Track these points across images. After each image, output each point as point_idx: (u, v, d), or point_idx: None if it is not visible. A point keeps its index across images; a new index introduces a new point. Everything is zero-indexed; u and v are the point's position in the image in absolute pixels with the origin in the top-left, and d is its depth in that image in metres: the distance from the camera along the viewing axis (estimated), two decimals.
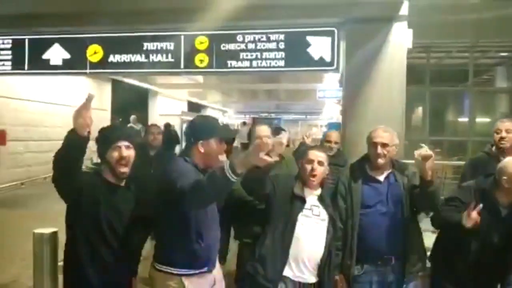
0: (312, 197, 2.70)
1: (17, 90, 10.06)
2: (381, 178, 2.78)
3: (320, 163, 2.67)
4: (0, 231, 6.16)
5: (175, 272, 2.34)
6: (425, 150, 2.52)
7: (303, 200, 2.67)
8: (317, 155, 2.68)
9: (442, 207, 2.81)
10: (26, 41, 6.01)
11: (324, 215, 2.68)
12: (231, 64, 5.71)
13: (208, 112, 25.47)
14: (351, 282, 2.75)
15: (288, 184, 2.71)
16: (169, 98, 19.09)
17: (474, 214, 2.53)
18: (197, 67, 5.78)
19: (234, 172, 1.93)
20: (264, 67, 5.68)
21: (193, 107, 21.98)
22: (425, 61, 9.74)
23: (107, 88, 14.47)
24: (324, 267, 2.65)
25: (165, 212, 2.30)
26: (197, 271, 2.37)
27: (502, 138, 3.37)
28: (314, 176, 2.65)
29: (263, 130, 3.19)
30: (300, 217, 2.64)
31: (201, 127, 2.44)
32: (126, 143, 2.29)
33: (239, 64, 5.70)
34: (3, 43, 6.05)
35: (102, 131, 2.36)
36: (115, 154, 2.26)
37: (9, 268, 4.98)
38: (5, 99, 9.60)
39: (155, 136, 5.02)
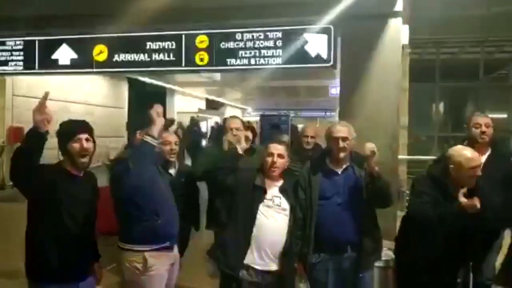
0: (273, 188, 2.86)
1: (35, 89, 10.50)
2: (339, 170, 2.91)
3: (280, 155, 2.84)
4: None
5: (137, 249, 2.56)
6: (372, 146, 2.66)
7: (264, 191, 2.83)
8: (277, 148, 2.85)
9: (417, 206, 2.87)
10: (36, 42, 6.36)
11: (285, 205, 2.84)
12: (230, 62, 5.91)
13: (227, 110, 25.78)
14: (309, 270, 2.90)
15: (251, 176, 2.87)
16: (187, 96, 19.41)
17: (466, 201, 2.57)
18: (198, 65, 6.00)
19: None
20: (262, 64, 5.86)
21: (212, 105, 22.25)
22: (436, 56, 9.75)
23: (124, 86, 14.88)
24: (285, 255, 2.81)
25: (120, 193, 2.53)
26: (158, 247, 2.57)
27: (483, 133, 3.42)
28: (274, 168, 2.82)
29: (234, 122, 3.38)
30: (262, 207, 2.81)
31: None
32: (86, 136, 2.48)
33: (238, 62, 5.89)
34: (15, 45, 6.42)
35: (63, 125, 2.55)
36: (76, 146, 2.44)
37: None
38: (24, 98, 10.04)
39: None
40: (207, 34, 5.95)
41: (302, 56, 5.71)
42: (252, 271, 2.82)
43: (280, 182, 2.89)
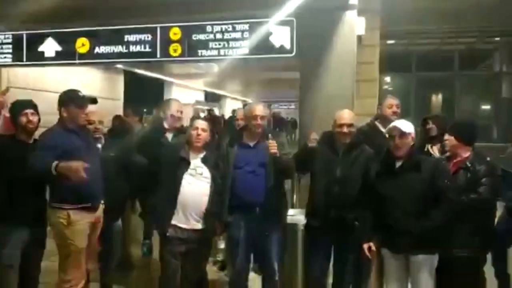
0: (196, 159, 3.44)
1: (30, 81, 11.13)
2: (252, 144, 3.48)
3: (203, 130, 3.42)
4: None
5: (62, 207, 3.14)
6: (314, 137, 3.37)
7: (188, 162, 3.41)
8: (201, 124, 3.43)
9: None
10: (24, 36, 6.97)
11: (207, 173, 3.42)
12: (201, 53, 6.45)
13: (227, 102, 26.33)
14: (226, 228, 3.49)
15: (177, 150, 3.45)
16: (185, 88, 19.98)
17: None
18: (172, 56, 6.55)
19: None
20: (230, 55, 6.39)
21: (211, 97, 22.82)
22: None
23: (120, 79, 15.49)
24: (206, 216, 3.39)
25: None
26: (80, 206, 3.16)
27: (394, 113, 3.96)
28: (198, 140, 3.40)
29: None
30: (186, 175, 3.39)
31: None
32: (32, 111, 3.11)
33: (208, 52, 6.43)
34: (4, 38, 7.04)
35: (14, 103, 3.32)
36: (24, 118, 3.13)
37: None
38: (19, 89, 10.66)
39: None
40: (180, 27, 6.50)
41: (267, 46, 6.22)
42: (179, 230, 3.40)
43: (202, 154, 3.46)
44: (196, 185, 3.39)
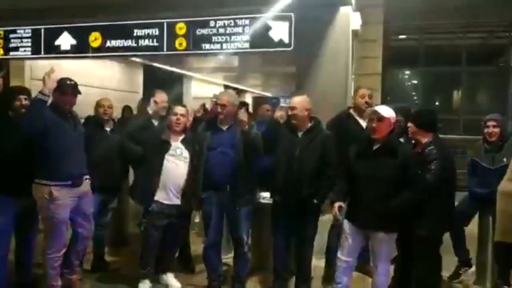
0: (176, 141, 3.85)
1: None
2: (224, 128, 3.87)
3: (182, 115, 3.83)
4: None
5: (46, 183, 3.57)
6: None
7: (169, 144, 3.82)
8: (180, 109, 3.84)
9: None
10: (42, 30, 7.53)
11: (186, 154, 3.85)
12: (205, 46, 6.86)
13: (247, 96, 26.71)
14: (200, 204, 3.90)
15: (159, 134, 3.87)
16: (204, 83, 20.44)
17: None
18: (177, 50, 6.99)
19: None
20: (232, 48, 6.78)
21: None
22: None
23: (139, 72, 16.09)
24: (185, 193, 3.80)
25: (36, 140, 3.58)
26: (61, 183, 3.58)
27: (366, 103, 4.31)
28: (177, 125, 3.81)
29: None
30: (167, 156, 3.81)
31: None
32: (25, 96, 3.58)
33: (212, 46, 6.83)
34: (24, 33, 7.61)
35: (6, 90, 3.73)
36: (18, 103, 3.63)
37: None
38: (41, 81, 11.34)
39: None
40: (185, 22, 6.92)
41: (266, 41, 6.58)
42: (161, 205, 3.83)
43: (182, 136, 3.88)
44: (176, 165, 3.83)
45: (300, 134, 3.95)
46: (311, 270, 4.14)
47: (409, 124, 3.84)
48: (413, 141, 3.92)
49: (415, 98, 16.04)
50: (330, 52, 6.17)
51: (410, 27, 10.78)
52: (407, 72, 12.65)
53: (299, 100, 4.01)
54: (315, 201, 3.79)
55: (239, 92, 25.61)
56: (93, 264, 4.59)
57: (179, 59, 15.21)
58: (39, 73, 11.20)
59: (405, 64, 10.97)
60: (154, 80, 16.73)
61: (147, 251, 3.98)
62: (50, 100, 3.65)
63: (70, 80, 3.97)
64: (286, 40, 6.50)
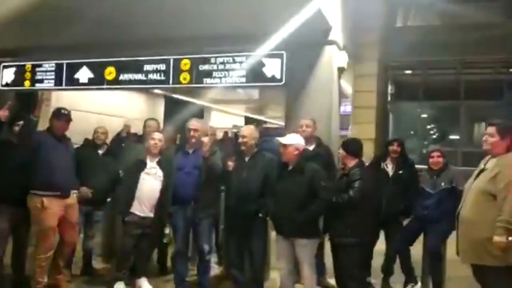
0: (152, 162, 4.52)
1: (75, 103, 12.82)
2: (190, 151, 4.53)
3: (159, 140, 4.51)
4: None
5: (38, 193, 4.26)
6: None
7: (145, 164, 4.49)
8: (157, 135, 4.53)
9: None
10: (64, 65, 8.49)
11: (160, 173, 4.51)
12: (206, 81, 7.63)
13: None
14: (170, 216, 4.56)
15: (138, 156, 4.57)
16: (224, 113, 21.37)
17: None
18: (181, 83, 7.78)
19: None
20: (230, 83, 7.52)
21: (251, 122, 24.03)
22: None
23: (160, 103, 17.14)
24: (157, 206, 4.45)
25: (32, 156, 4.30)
26: (51, 194, 4.26)
27: (303, 131, 5.18)
28: (155, 148, 4.49)
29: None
30: (143, 174, 4.48)
31: None
32: (21, 122, 4.35)
33: (212, 81, 7.59)
34: (49, 67, 8.60)
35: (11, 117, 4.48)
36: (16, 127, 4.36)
37: None
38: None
39: None
40: (189, 59, 7.73)
41: (260, 76, 7.28)
42: (136, 217, 4.48)
43: (157, 158, 4.56)
44: (150, 182, 4.51)
45: (247, 158, 4.59)
46: (262, 279, 4.70)
47: (340, 151, 4.43)
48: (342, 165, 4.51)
49: (431, 132, 16.38)
50: (316, 86, 6.81)
51: (413, 62, 11.28)
52: (418, 105, 13.11)
53: (249, 131, 4.69)
54: (260, 215, 4.37)
55: (259, 123, 26.48)
56: (82, 270, 5.24)
57: (199, 91, 16.27)
58: (64, 102, 12.39)
59: (419, 98, 11.45)
60: (175, 110, 17.74)
61: (123, 256, 4.63)
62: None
63: (65, 109, 4.72)
64: (278, 76, 7.18)
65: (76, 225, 4.68)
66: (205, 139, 4.51)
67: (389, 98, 12.34)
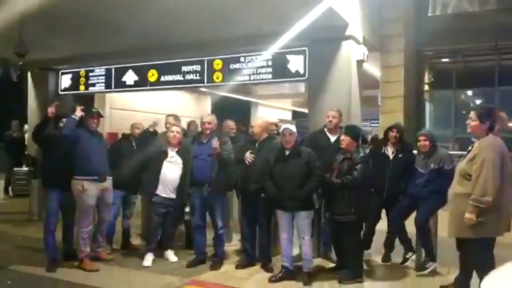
0: (172, 152, 5.29)
1: (127, 103, 14.01)
2: (205, 141, 5.23)
3: (178, 132, 5.27)
4: None
5: (80, 178, 5.13)
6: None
7: (166, 153, 5.27)
8: (176, 128, 5.29)
9: None
10: (113, 69, 9.53)
11: (179, 161, 5.27)
12: (236, 78, 8.34)
13: None
14: (189, 197, 5.31)
15: (160, 147, 5.36)
16: (270, 108, 22.05)
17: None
18: (215, 82, 8.54)
19: None
20: (258, 79, 8.19)
21: (298, 116, 24.55)
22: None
23: (207, 100, 18.12)
24: (178, 189, 5.23)
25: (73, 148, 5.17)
26: (89, 178, 5.13)
27: (330, 121, 5.44)
28: (174, 139, 5.27)
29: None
30: (165, 162, 5.27)
31: None
32: (64, 119, 5.24)
33: (242, 78, 8.30)
34: (100, 71, 9.67)
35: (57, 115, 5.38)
36: (61, 124, 5.27)
37: None
38: (118, 110, 13.60)
39: None
40: (221, 59, 8.48)
41: (285, 72, 7.90)
42: (161, 198, 5.28)
43: (177, 148, 5.33)
44: (171, 168, 5.29)
45: (256, 144, 5.26)
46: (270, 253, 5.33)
47: (343, 137, 4.89)
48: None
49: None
50: (336, 79, 7.31)
51: (448, 50, 11.38)
52: (454, 93, 13.11)
53: (258, 122, 5.33)
54: (262, 195, 5.00)
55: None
56: (121, 245, 6.11)
57: (245, 88, 17.06)
58: (117, 103, 13.61)
59: (455, 85, 11.51)
60: (222, 107, 18.67)
61: (151, 232, 5.45)
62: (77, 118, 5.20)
63: (95, 108, 5.57)
64: (302, 71, 7.77)
65: (110, 205, 5.54)
66: (215, 141, 5.11)
67: (425, 88, 12.49)
